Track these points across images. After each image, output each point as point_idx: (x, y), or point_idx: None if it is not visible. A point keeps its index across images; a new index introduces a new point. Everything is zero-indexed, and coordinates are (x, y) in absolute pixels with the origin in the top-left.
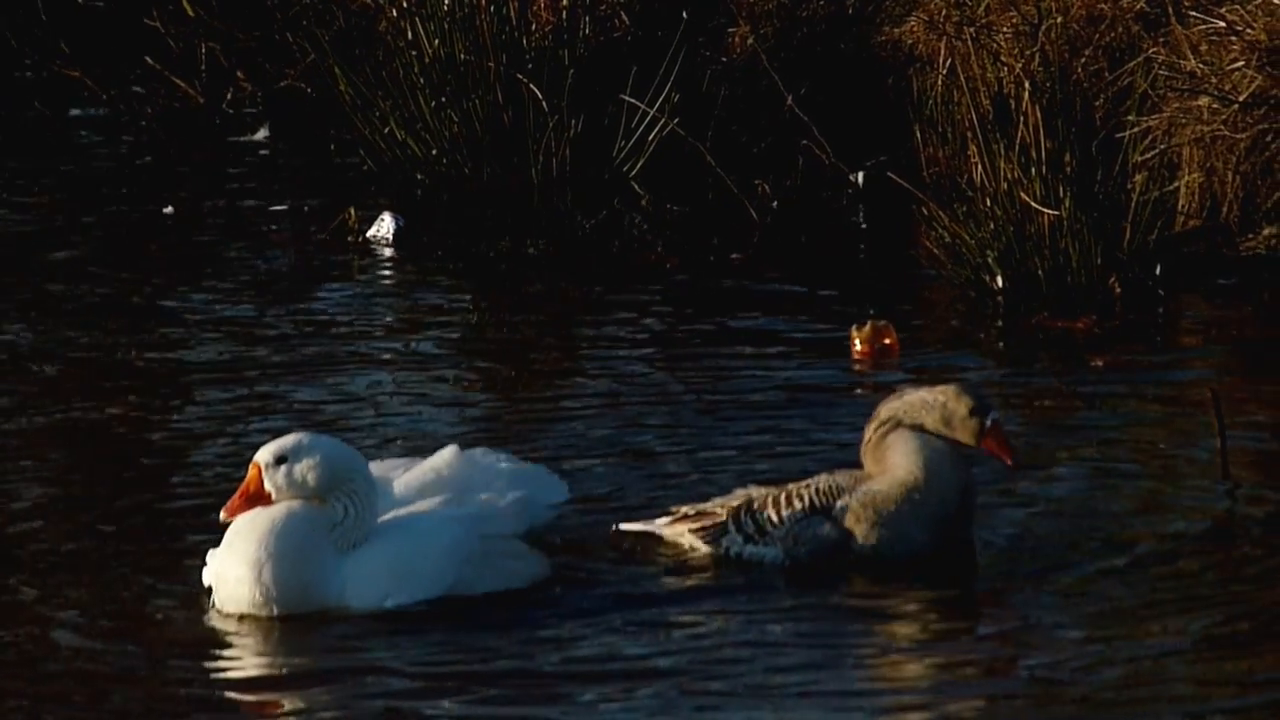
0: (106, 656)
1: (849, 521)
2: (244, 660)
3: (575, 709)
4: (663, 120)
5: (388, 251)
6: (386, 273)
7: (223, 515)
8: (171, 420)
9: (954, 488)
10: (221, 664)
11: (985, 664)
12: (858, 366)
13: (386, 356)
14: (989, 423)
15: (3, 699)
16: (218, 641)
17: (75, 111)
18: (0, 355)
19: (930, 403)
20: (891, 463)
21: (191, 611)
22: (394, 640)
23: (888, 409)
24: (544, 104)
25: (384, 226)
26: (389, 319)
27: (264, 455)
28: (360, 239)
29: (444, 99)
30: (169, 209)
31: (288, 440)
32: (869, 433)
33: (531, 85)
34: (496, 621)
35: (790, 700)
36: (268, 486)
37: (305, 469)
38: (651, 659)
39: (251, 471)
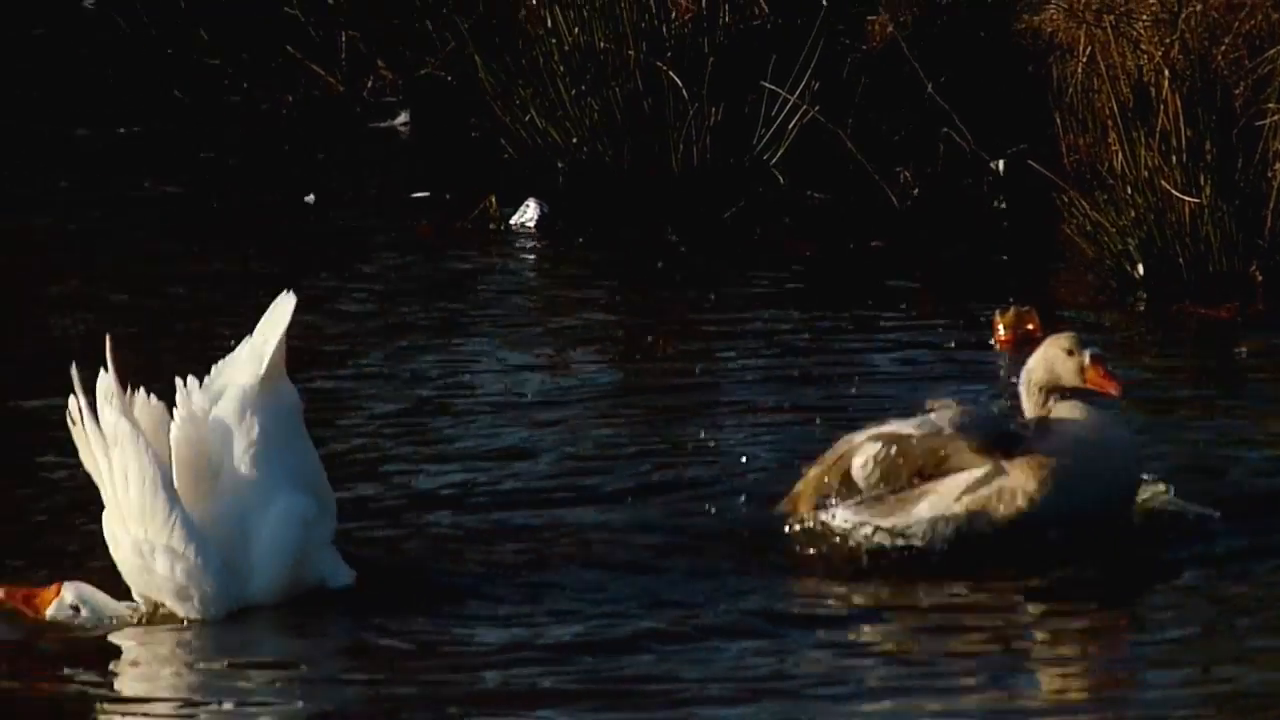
0: None
1: (1015, 483)
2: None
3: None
4: (803, 108)
5: (530, 239)
6: (529, 259)
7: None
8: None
9: (1119, 454)
10: None
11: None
12: (1000, 352)
13: (528, 342)
14: (1088, 358)
15: None
16: None
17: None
18: (142, 334)
19: (1037, 358)
20: (1060, 434)
21: None
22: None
23: (1035, 378)
24: (684, 92)
25: (527, 213)
26: (531, 305)
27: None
28: (502, 226)
29: (584, 87)
30: (310, 197)
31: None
32: (1029, 407)
33: (671, 73)
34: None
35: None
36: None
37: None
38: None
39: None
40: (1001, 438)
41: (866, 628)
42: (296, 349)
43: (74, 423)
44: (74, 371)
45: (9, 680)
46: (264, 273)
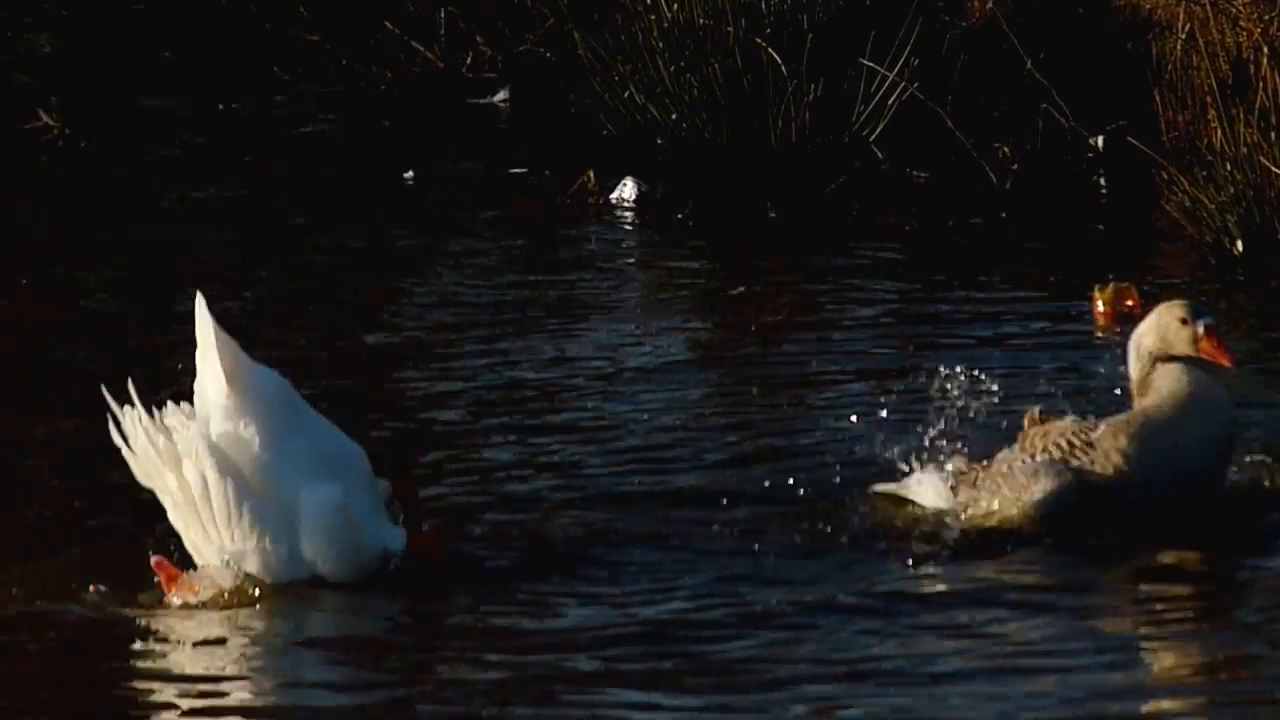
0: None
1: (1105, 447)
2: None
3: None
4: (902, 84)
5: (629, 215)
6: (627, 235)
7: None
8: (409, 384)
9: (1215, 419)
10: None
11: None
12: (1100, 328)
13: (626, 317)
14: (1202, 329)
15: None
16: None
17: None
18: (240, 311)
19: (1149, 325)
20: (1156, 391)
21: None
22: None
23: (1146, 344)
24: (783, 68)
25: (626, 190)
26: (629, 280)
27: None
28: (601, 202)
29: (683, 63)
30: (409, 174)
31: None
32: (1134, 371)
33: (770, 49)
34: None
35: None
36: None
37: None
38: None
39: None
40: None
41: (964, 607)
42: (398, 324)
43: (129, 438)
44: (131, 388)
45: (73, 655)
46: (363, 250)
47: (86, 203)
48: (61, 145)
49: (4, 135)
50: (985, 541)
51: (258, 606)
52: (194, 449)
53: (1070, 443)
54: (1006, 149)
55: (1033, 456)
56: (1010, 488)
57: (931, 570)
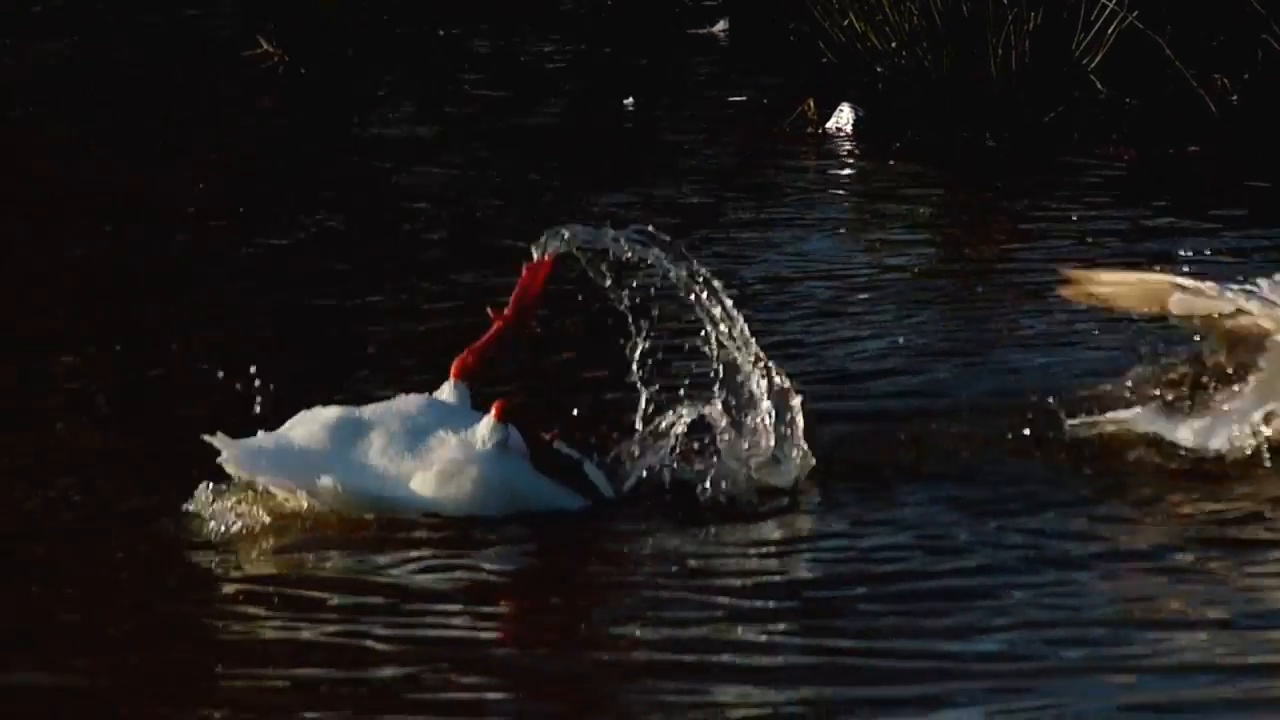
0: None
1: None
2: None
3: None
4: (1121, 13)
5: (846, 143)
6: (845, 163)
7: None
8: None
9: None
10: None
11: None
12: None
13: (846, 245)
14: None
15: None
16: None
17: None
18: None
19: None
20: None
21: None
22: None
23: None
24: None
25: (843, 118)
26: (848, 208)
27: None
28: (819, 130)
29: None
30: (629, 101)
31: None
32: None
33: None
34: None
35: None
36: None
37: None
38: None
39: None
40: None
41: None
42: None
43: None
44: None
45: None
46: (583, 179)
47: (304, 129)
48: (281, 72)
49: (225, 62)
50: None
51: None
52: None
53: None
54: (1224, 79)
55: None
56: None
57: (1146, 512)
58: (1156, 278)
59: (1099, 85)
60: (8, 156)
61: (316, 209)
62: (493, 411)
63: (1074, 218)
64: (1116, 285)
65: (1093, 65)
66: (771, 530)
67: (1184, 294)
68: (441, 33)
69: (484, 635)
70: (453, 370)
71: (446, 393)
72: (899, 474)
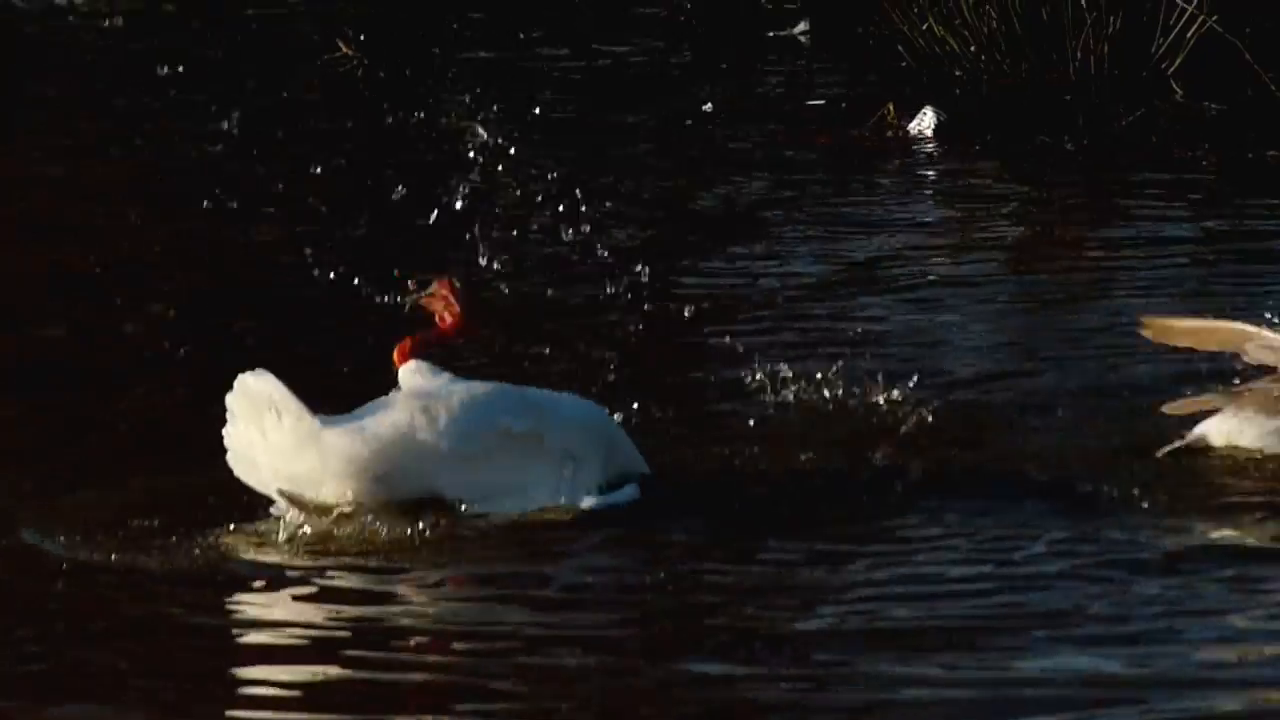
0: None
1: None
2: None
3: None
4: (1201, 17)
5: (928, 146)
6: (926, 167)
7: None
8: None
9: None
10: None
11: None
12: None
13: (925, 248)
14: None
15: None
16: None
17: None
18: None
19: None
20: None
21: None
22: None
23: None
24: (1082, 0)
25: (925, 121)
26: (929, 213)
27: None
28: (900, 133)
29: None
30: (708, 105)
31: None
32: None
33: None
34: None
35: None
36: None
37: None
38: None
39: None
40: None
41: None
42: (697, 245)
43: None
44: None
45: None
46: (657, 185)
47: (378, 126)
48: (360, 75)
49: (307, 63)
50: None
51: None
52: None
53: None
54: None
55: None
56: None
57: (1224, 523)
58: (1229, 327)
59: (1178, 90)
60: (98, 147)
61: (384, 209)
62: (396, 359)
63: (1153, 223)
64: (1194, 334)
65: (1172, 69)
66: (831, 531)
67: (1255, 345)
68: (522, 36)
69: (496, 630)
70: (396, 359)
71: (404, 377)
72: (981, 477)
